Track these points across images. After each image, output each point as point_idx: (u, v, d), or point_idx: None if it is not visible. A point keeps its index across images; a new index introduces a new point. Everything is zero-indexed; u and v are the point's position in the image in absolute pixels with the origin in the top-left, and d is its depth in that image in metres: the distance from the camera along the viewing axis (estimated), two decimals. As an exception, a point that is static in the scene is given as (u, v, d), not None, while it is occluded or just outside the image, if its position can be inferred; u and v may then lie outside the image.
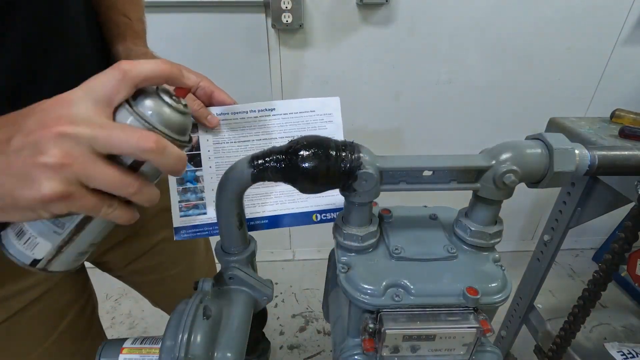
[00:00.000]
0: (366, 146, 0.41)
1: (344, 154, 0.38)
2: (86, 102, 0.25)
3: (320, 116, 0.52)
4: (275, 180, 0.39)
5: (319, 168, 0.37)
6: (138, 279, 0.70)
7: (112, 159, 0.26)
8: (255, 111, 0.51)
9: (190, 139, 0.34)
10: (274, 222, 0.53)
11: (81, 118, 0.25)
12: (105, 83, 0.26)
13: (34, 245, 0.29)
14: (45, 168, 0.24)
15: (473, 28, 1.36)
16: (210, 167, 0.51)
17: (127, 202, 0.29)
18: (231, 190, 0.40)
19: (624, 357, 0.94)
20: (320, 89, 1.46)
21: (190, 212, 0.51)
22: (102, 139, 0.25)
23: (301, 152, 0.37)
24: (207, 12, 1.29)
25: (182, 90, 0.32)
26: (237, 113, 0.51)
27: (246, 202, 0.52)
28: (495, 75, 1.47)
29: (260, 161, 0.38)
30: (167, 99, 0.30)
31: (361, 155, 0.39)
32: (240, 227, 0.44)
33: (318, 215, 0.53)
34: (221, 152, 0.51)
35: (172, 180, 0.50)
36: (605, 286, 0.77)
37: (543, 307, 1.08)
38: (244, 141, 0.51)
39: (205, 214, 0.51)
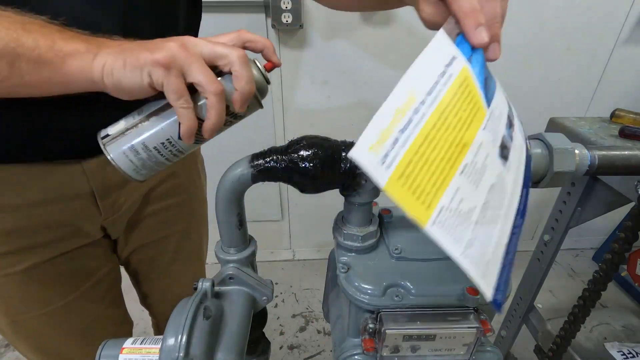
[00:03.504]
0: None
1: (343, 154, 0.38)
2: (215, 39, 0.38)
3: None
4: (275, 181, 0.39)
5: (319, 168, 0.37)
6: (139, 268, 0.72)
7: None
8: None
9: (262, 105, 0.41)
10: None
11: (202, 41, 0.36)
12: (228, 35, 0.41)
13: (116, 125, 0.38)
14: (167, 46, 0.33)
15: (473, 28, 1.36)
16: None
17: (197, 118, 0.36)
18: (231, 190, 0.40)
19: (624, 357, 0.94)
20: (321, 89, 1.46)
21: None
22: (210, 45, 0.35)
23: (301, 152, 0.37)
24: (207, 12, 1.28)
25: (269, 65, 0.42)
26: None
27: None
28: (494, 75, 1.47)
29: (260, 161, 0.38)
30: (259, 64, 0.40)
31: (361, 155, 0.39)
32: (241, 227, 0.44)
33: None
34: None
35: None
36: (605, 286, 0.77)
37: (543, 307, 1.08)
38: None
39: None
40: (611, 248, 0.73)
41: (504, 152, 0.30)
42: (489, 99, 0.30)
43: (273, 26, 1.29)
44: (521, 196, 0.33)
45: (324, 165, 0.37)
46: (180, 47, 0.33)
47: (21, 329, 0.57)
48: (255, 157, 0.39)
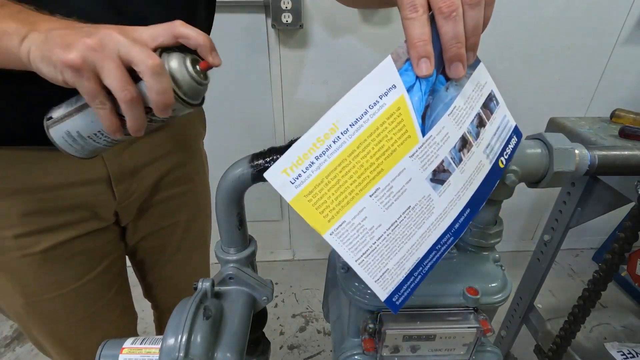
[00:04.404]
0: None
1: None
2: (140, 32, 0.35)
3: None
4: (275, 180, 0.39)
5: (319, 168, 0.37)
6: (145, 257, 0.74)
7: (130, 73, 0.33)
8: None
9: (200, 103, 0.40)
10: None
11: (129, 35, 0.33)
12: (157, 27, 0.36)
13: (58, 108, 0.38)
14: (82, 45, 0.31)
15: (473, 28, 1.36)
16: None
17: (119, 116, 0.35)
18: (231, 190, 0.40)
19: (624, 357, 0.94)
20: (321, 88, 1.46)
21: None
22: (127, 46, 0.32)
23: (301, 152, 0.37)
24: (207, 12, 1.29)
25: (205, 64, 0.38)
26: None
27: None
28: (494, 75, 1.46)
29: (260, 161, 0.38)
30: (189, 65, 0.36)
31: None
32: (241, 227, 0.44)
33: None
34: None
35: None
36: (605, 286, 0.77)
37: (543, 307, 1.08)
38: None
39: None
40: (611, 248, 0.73)
41: (439, 175, 0.33)
42: (427, 127, 0.32)
43: (273, 26, 1.29)
44: (459, 216, 0.35)
45: (324, 165, 0.37)
46: (95, 47, 0.32)
47: (35, 310, 0.59)
48: (255, 157, 0.39)
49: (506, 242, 1.91)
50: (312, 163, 0.29)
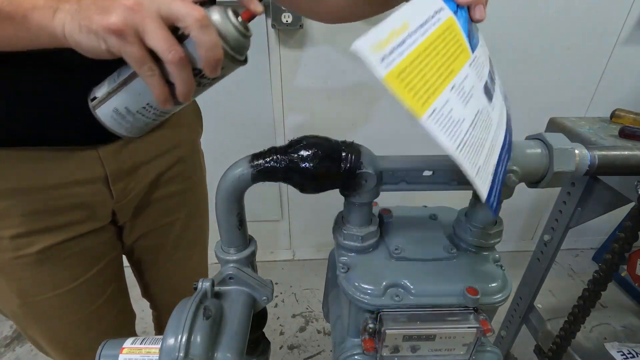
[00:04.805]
0: (366, 146, 0.41)
1: (343, 154, 0.38)
2: None
3: None
4: (276, 181, 0.39)
5: (319, 168, 0.37)
6: (142, 256, 0.74)
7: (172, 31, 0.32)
8: None
9: (245, 61, 0.38)
10: None
11: None
12: None
13: (101, 87, 0.38)
14: (120, 7, 0.30)
15: (473, 28, 1.36)
16: None
17: (167, 82, 0.34)
18: (231, 190, 0.40)
19: (624, 357, 0.94)
20: (321, 88, 1.46)
21: None
22: (166, 2, 0.31)
23: (301, 152, 0.37)
24: (207, 12, 1.29)
25: (247, 14, 0.36)
26: None
27: None
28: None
29: (260, 161, 0.38)
30: (232, 17, 0.35)
31: (361, 155, 0.39)
32: (241, 227, 0.44)
33: None
34: None
35: None
36: (605, 286, 0.77)
37: (543, 307, 1.08)
38: None
39: None
40: (611, 248, 0.73)
41: (487, 92, 0.34)
42: (473, 47, 0.34)
43: (273, 26, 1.29)
44: (505, 138, 0.36)
45: (324, 165, 0.37)
46: (134, 7, 0.30)
47: (32, 311, 0.59)
48: (255, 157, 0.39)
49: (506, 242, 1.91)
50: (394, 49, 0.26)
